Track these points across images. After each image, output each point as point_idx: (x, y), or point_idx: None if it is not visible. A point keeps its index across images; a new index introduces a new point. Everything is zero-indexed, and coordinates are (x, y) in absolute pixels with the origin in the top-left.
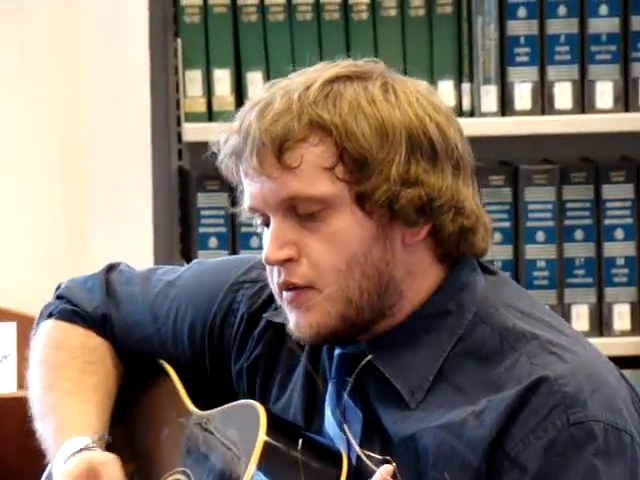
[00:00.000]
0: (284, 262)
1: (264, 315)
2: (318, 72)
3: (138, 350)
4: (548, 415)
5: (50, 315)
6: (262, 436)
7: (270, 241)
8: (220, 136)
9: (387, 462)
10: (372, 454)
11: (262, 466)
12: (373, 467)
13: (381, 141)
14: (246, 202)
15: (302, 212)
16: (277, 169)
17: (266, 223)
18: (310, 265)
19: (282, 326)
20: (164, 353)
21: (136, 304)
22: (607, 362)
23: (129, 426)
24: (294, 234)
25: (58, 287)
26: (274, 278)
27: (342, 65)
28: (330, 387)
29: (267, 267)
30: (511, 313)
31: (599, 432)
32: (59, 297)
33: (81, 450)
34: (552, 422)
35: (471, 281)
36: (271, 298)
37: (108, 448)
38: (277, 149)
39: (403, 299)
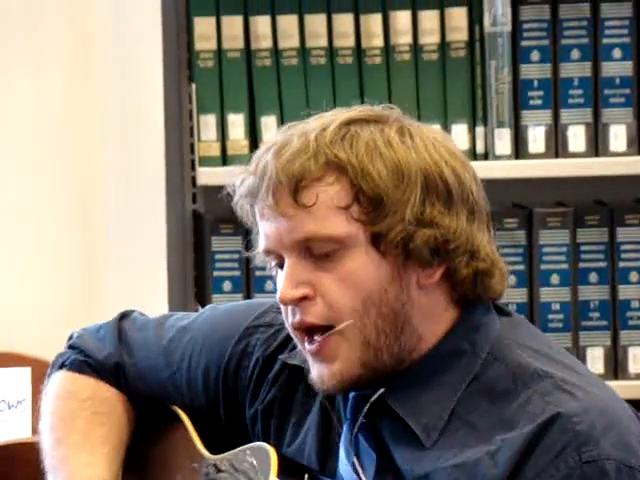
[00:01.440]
0: (299, 301)
1: (280, 357)
2: (335, 115)
3: (151, 396)
4: (561, 453)
5: (62, 366)
6: (273, 479)
7: (285, 280)
8: (235, 178)
9: None
10: None
11: None
12: None
13: (397, 181)
14: (261, 244)
15: (317, 252)
16: (293, 208)
17: (280, 265)
18: (326, 304)
19: (297, 368)
20: (178, 398)
21: (149, 350)
22: (621, 401)
23: (142, 474)
24: (309, 273)
25: (70, 337)
26: (289, 318)
27: (359, 109)
28: (345, 428)
29: (282, 308)
30: (525, 352)
31: (611, 470)
32: (71, 347)
33: None
34: (564, 460)
35: (485, 321)
36: (286, 341)
37: None
38: (293, 188)
39: (420, 342)
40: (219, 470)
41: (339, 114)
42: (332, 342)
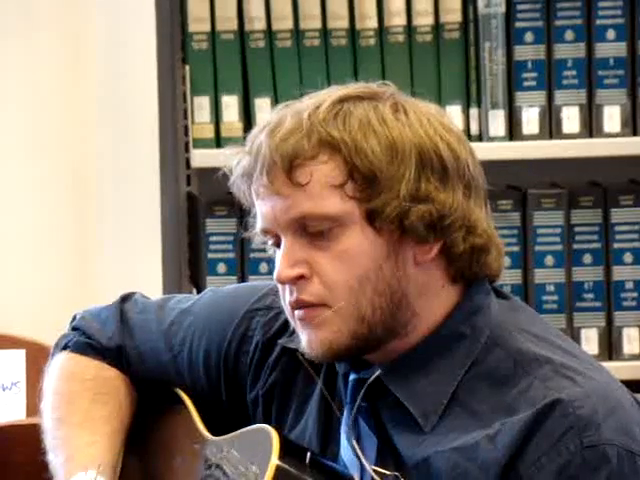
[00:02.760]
0: (296, 280)
1: (279, 341)
2: (329, 93)
3: (153, 378)
4: (561, 438)
5: (65, 347)
6: (274, 460)
7: (281, 260)
8: (230, 159)
9: (399, 478)
10: (385, 471)
11: None
12: None
13: (391, 158)
14: (258, 224)
15: (312, 230)
16: (287, 187)
17: (277, 244)
18: (322, 283)
19: (297, 352)
20: (180, 381)
21: (151, 332)
22: (621, 386)
23: (144, 455)
24: (305, 252)
25: (74, 318)
26: (286, 297)
27: (353, 87)
28: (345, 412)
29: (279, 287)
30: (525, 337)
31: (612, 455)
32: (74, 328)
33: None
34: (565, 445)
35: (485, 305)
36: (286, 325)
37: (122, 477)
38: (287, 167)
39: (416, 319)
40: (219, 455)
41: (333, 92)
42: (323, 313)
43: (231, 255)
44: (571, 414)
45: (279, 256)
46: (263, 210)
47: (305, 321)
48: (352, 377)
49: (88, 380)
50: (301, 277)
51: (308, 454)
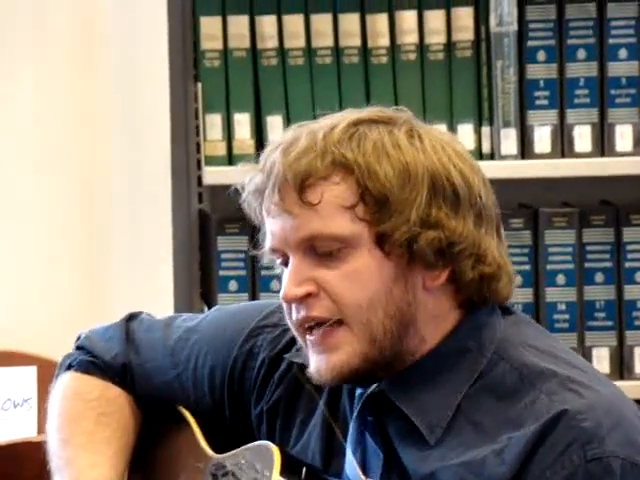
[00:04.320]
0: (303, 299)
1: (285, 355)
2: (344, 115)
3: (158, 396)
4: (565, 450)
5: (69, 367)
6: (276, 477)
7: (288, 279)
8: (243, 176)
9: None
10: None
11: None
12: None
13: (403, 182)
14: (267, 243)
15: (321, 251)
16: (298, 206)
17: (285, 263)
18: (331, 299)
19: (303, 368)
20: (184, 399)
21: (156, 350)
22: (626, 399)
23: (148, 473)
24: (313, 271)
25: (78, 338)
26: (293, 316)
27: (369, 110)
28: (351, 427)
29: (285, 306)
30: (530, 351)
31: (617, 468)
32: (79, 348)
33: None
34: (569, 458)
35: (490, 321)
36: (292, 341)
37: None
38: (299, 185)
39: (423, 344)
40: (221, 473)
41: (348, 114)
42: (338, 333)
43: (242, 272)
44: (575, 427)
45: (286, 275)
46: (273, 229)
47: (320, 346)
48: (358, 392)
49: (93, 400)
50: (308, 295)
51: (304, 470)
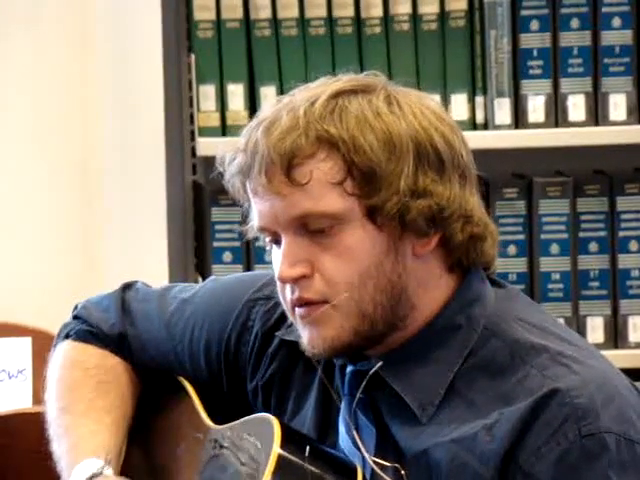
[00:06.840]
0: (297, 280)
1: (276, 334)
2: (321, 87)
3: (155, 367)
4: (560, 427)
5: (67, 336)
6: (276, 449)
7: (282, 259)
8: (226, 154)
9: (399, 470)
10: (384, 462)
11: (277, 479)
12: (387, 479)
13: (389, 153)
14: (255, 222)
15: (313, 228)
16: (286, 186)
17: (276, 241)
18: (323, 280)
19: (295, 344)
20: (181, 370)
21: (152, 322)
22: (619, 373)
23: (147, 443)
24: (306, 251)
25: (75, 307)
26: (287, 295)
27: (344, 80)
28: (343, 404)
29: (278, 285)
30: (521, 326)
31: (611, 443)
32: (76, 317)
33: (93, 476)
34: (564, 434)
35: (481, 295)
36: (284, 316)
37: (125, 465)
38: (286, 166)
39: (415, 311)
40: (221, 444)
41: (325, 85)
42: (325, 312)
43: (237, 244)
44: (569, 403)
45: (279, 255)
46: (261, 209)
47: (306, 318)
48: (349, 369)
49: (91, 368)
50: (303, 276)
51: (311, 442)
